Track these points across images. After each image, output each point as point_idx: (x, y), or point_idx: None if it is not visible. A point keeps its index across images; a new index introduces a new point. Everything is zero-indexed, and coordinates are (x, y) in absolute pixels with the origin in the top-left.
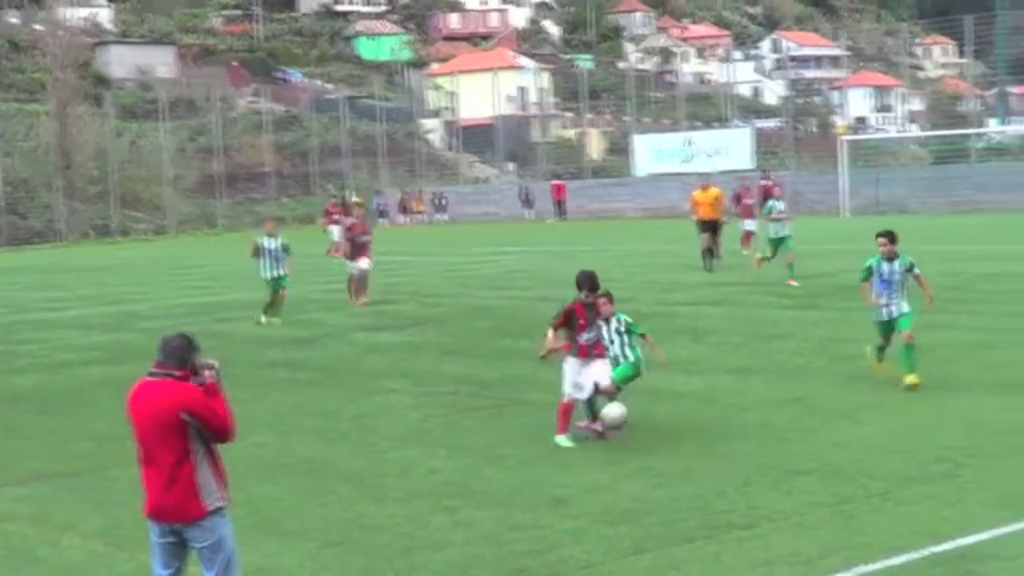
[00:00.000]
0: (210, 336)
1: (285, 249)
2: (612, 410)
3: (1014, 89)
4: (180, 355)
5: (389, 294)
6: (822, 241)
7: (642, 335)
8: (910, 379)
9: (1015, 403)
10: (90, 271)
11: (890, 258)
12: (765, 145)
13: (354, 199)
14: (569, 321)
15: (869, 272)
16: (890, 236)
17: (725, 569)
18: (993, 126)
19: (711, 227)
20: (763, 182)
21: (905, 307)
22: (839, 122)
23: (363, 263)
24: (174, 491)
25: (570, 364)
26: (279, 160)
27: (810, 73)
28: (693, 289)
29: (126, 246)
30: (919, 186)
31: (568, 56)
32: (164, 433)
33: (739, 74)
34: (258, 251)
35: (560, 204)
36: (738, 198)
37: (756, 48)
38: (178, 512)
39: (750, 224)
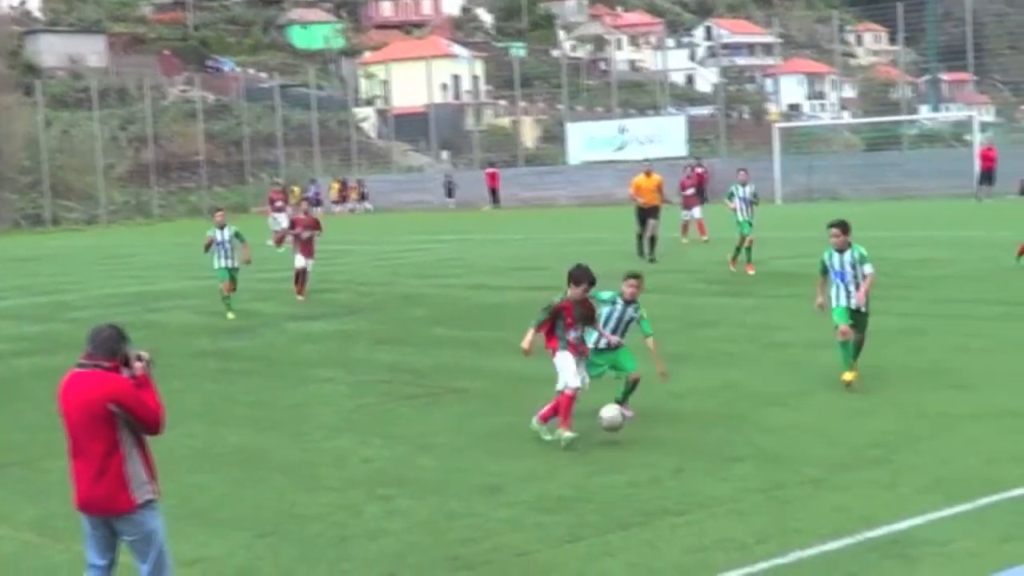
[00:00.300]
0: (142, 326)
1: (238, 237)
2: (609, 411)
3: (945, 76)
4: (109, 346)
5: (323, 283)
6: (754, 228)
7: (646, 335)
8: (848, 376)
9: (944, 388)
10: (21, 261)
11: (841, 249)
12: (698, 132)
13: (302, 198)
14: (555, 320)
15: (824, 267)
16: (842, 227)
17: (659, 555)
18: (924, 113)
19: (652, 214)
20: (698, 170)
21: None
22: (772, 109)
23: (305, 260)
24: (103, 483)
25: (563, 356)
26: (212, 149)
27: (743, 60)
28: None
29: (58, 236)
30: (851, 173)
31: (501, 44)
32: (93, 424)
33: (672, 62)
34: (211, 244)
35: (494, 192)
36: (682, 186)
37: (689, 36)
38: (107, 504)
39: (693, 213)
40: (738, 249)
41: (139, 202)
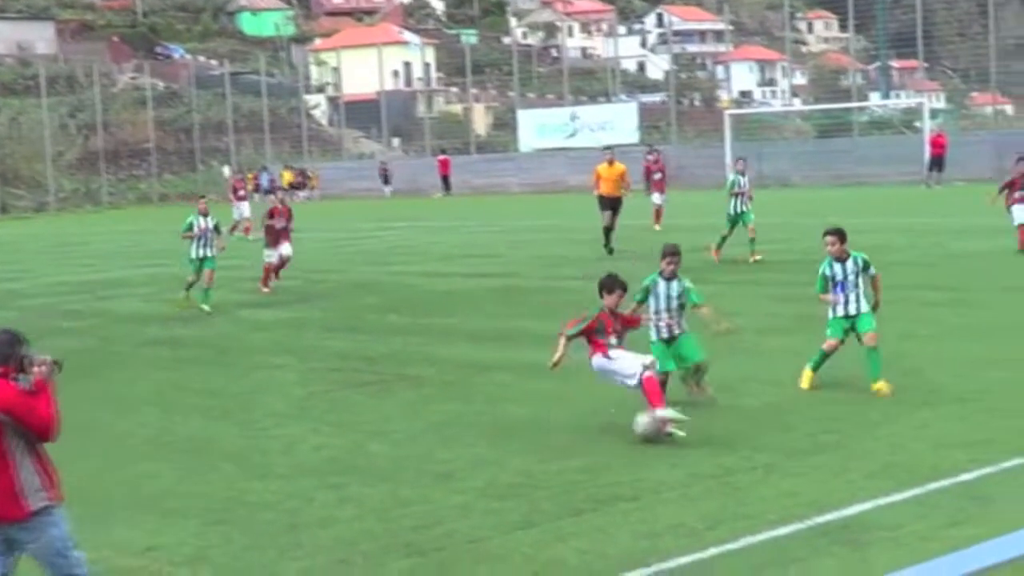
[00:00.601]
0: (92, 314)
1: (216, 229)
2: (643, 418)
3: (895, 63)
4: (1, 351)
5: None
6: (706, 215)
7: (697, 305)
8: (879, 386)
9: (894, 374)
10: None
11: (840, 258)
12: (649, 120)
13: (283, 188)
14: (593, 331)
15: (824, 279)
16: (839, 234)
17: (611, 541)
18: (875, 100)
19: (613, 204)
20: (649, 156)
21: (864, 305)
22: (723, 96)
23: (285, 249)
24: None
25: (617, 353)
26: (162, 136)
27: (694, 48)
28: (578, 264)
29: (6, 223)
30: (802, 160)
31: (453, 31)
32: None
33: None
34: (191, 228)
35: (446, 179)
36: (647, 172)
37: (640, 23)
38: (1, 512)
39: (659, 198)
40: (724, 238)
41: (88, 190)
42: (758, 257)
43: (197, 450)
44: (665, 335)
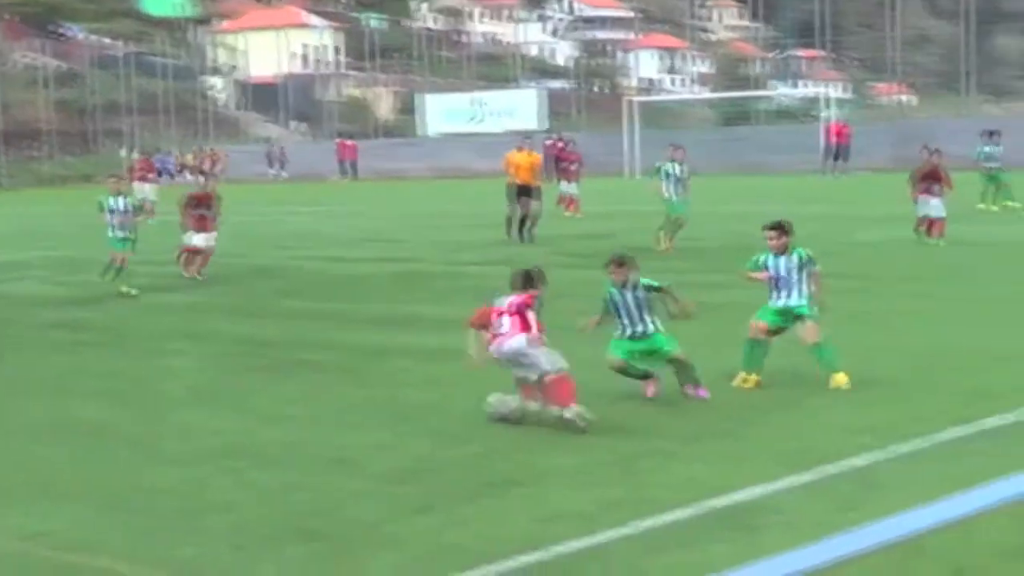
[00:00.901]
0: None
1: (134, 209)
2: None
3: (799, 53)
4: None
5: (172, 254)
6: (609, 202)
7: (659, 289)
8: (838, 379)
9: (784, 358)
10: None
11: (780, 253)
12: (555, 106)
13: (209, 172)
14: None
15: (756, 266)
16: (780, 228)
17: (508, 525)
18: (779, 89)
19: (527, 193)
20: (547, 143)
21: (803, 300)
22: (628, 84)
23: (207, 239)
24: None
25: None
26: (59, 118)
27: (600, 34)
28: (480, 249)
29: None
30: (706, 147)
31: (357, 14)
32: None
33: (529, 35)
34: (101, 208)
35: (349, 164)
36: (557, 160)
37: (546, 9)
38: None
39: (570, 187)
40: (671, 227)
41: None
42: (666, 247)
43: (94, 434)
44: (630, 334)
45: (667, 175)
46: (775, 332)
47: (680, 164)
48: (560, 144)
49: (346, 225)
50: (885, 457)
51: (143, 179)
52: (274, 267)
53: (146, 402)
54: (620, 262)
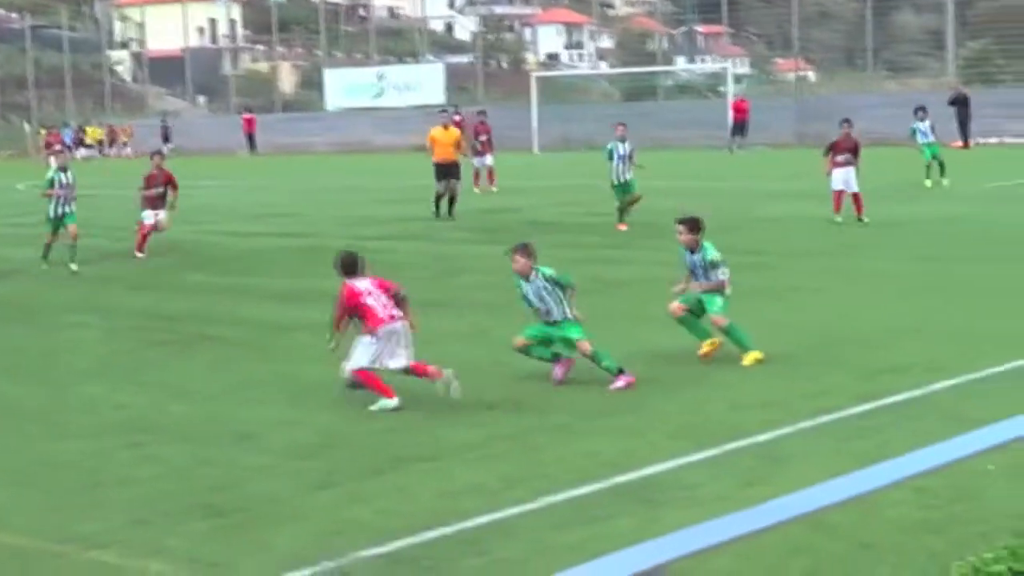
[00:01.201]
0: None
1: (75, 184)
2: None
3: (701, 28)
4: None
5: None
6: (512, 177)
7: (560, 285)
8: (751, 356)
9: (691, 336)
10: None
11: (691, 248)
12: (457, 81)
13: (160, 152)
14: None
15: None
16: (688, 224)
17: (410, 500)
18: (680, 64)
19: (451, 171)
20: (455, 117)
21: (712, 292)
22: (530, 59)
23: (161, 217)
24: None
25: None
26: None
27: (501, 9)
28: (383, 224)
29: None
30: (608, 123)
31: None
32: None
33: (431, 9)
34: (52, 184)
35: (251, 138)
36: (476, 133)
37: None
38: None
39: (485, 160)
40: (621, 209)
41: None
42: (624, 228)
43: None
44: (548, 319)
45: (612, 155)
46: (691, 312)
47: (624, 142)
48: (480, 119)
49: (247, 200)
50: (788, 432)
51: (54, 152)
52: (177, 241)
53: (50, 376)
54: (515, 252)
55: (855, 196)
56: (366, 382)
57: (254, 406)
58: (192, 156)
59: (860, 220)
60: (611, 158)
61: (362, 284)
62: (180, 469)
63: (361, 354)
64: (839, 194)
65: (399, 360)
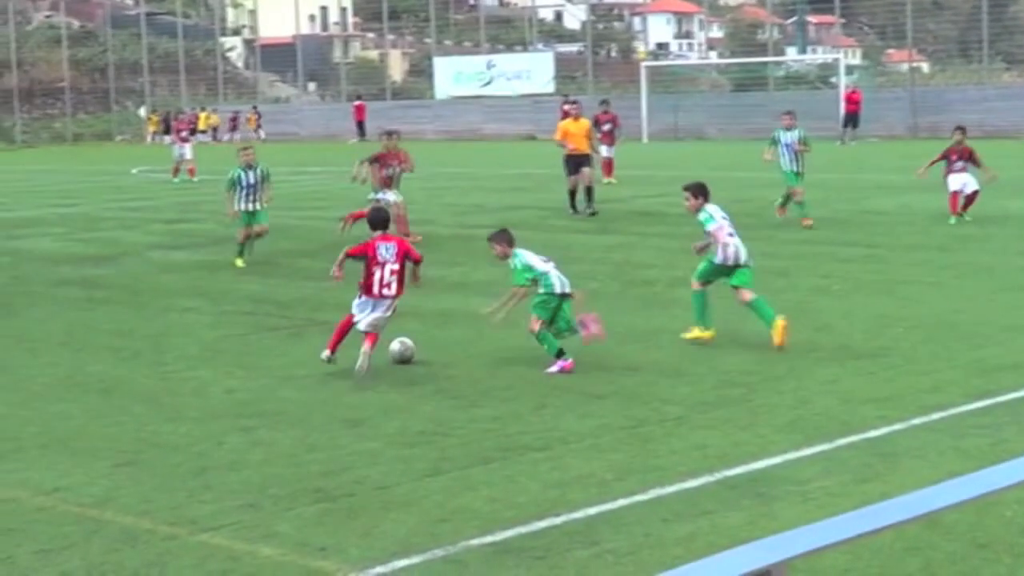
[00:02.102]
0: (5, 253)
1: (265, 179)
2: (394, 345)
3: (812, 18)
4: None
5: (187, 213)
6: (620, 167)
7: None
8: (777, 325)
9: (804, 329)
10: None
11: (695, 213)
12: (565, 70)
13: (393, 131)
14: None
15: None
16: (690, 190)
17: (520, 490)
18: (791, 55)
19: (584, 162)
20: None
21: (743, 256)
22: (639, 48)
23: (391, 193)
24: None
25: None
26: (76, 76)
27: None
28: (493, 213)
29: None
30: (717, 113)
31: None
32: None
33: None
34: (234, 184)
35: (361, 125)
36: (596, 123)
37: None
38: None
39: (609, 151)
40: (786, 198)
41: (2, 128)
42: (808, 224)
43: (108, 391)
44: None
45: (776, 142)
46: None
47: (790, 131)
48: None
49: (357, 187)
50: (900, 428)
51: (182, 139)
52: (286, 227)
53: (160, 359)
54: (489, 237)
55: (972, 193)
56: (336, 328)
57: (363, 392)
58: (302, 143)
59: (961, 217)
60: (774, 144)
61: (385, 251)
62: (290, 454)
63: (355, 306)
64: (955, 195)
65: (363, 323)
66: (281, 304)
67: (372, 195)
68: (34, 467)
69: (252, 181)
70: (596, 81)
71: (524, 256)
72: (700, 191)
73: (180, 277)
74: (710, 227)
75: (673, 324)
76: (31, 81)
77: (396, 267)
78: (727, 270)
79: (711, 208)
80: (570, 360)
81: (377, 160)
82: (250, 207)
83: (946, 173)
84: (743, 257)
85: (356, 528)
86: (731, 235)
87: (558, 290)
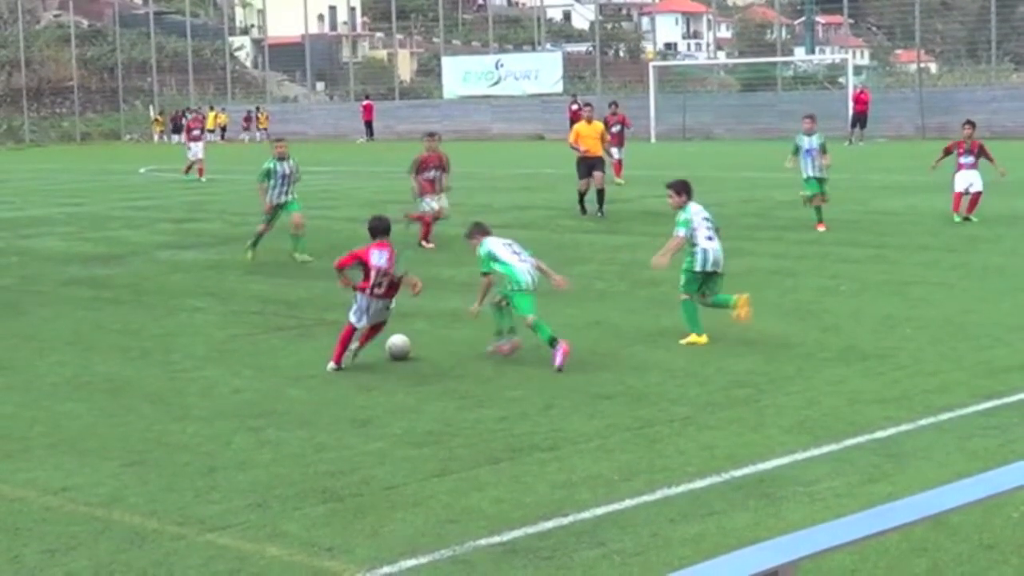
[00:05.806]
0: (13, 252)
1: (297, 171)
2: (395, 340)
3: (821, 19)
4: None
5: (195, 212)
6: (628, 167)
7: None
8: (739, 302)
9: (811, 329)
10: None
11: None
12: (574, 70)
13: (434, 133)
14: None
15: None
16: (673, 188)
17: (527, 490)
18: (800, 55)
19: (597, 165)
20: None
21: (721, 262)
22: (648, 48)
23: (443, 201)
24: None
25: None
26: (85, 75)
27: None
28: (501, 212)
29: None
30: (725, 113)
31: None
32: None
33: None
34: (269, 175)
35: (369, 125)
36: (605, 124)
37: None
38: None
39: (618, 152)
40: (817, 207)
41: (10, 127)
42: (821, 229)
43: (116, 391)
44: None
45: (798, 149)
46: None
47: (810, 136)
48: (574, 107)
49: (366, 186)
50: (908, 428)
51: (193, 137)
52: None
53: (168, 359)
54: (466, 236)
55: (975, 195)
56: (339, 339)
57: (371, 392)
58: (310, 142)
59: (968, 219)
60: (796, 152)
61: (378, 258)
62: (297, 454)
63: (353, 310)
64: (959, 195)
65: (364, 323)
66: (289, 304)
67: (418, 202)
68: (41, 467)
69: (286, 172)
70: (604, 81)
71: (488, 244)
72: (683, 189)
73: (188, 277)
74: (679, 231)
75: (680, 325)
76: (40, 80)
77: (387, 272)
78: (707, 275)
79: (693, 208)
80: (565, 342)
81: (417, 165)
82: (282, 198)
83: (955, 171)
84: (720, 263)
85: (364, 528)
86: (709, 239)
87: (525, 285)
